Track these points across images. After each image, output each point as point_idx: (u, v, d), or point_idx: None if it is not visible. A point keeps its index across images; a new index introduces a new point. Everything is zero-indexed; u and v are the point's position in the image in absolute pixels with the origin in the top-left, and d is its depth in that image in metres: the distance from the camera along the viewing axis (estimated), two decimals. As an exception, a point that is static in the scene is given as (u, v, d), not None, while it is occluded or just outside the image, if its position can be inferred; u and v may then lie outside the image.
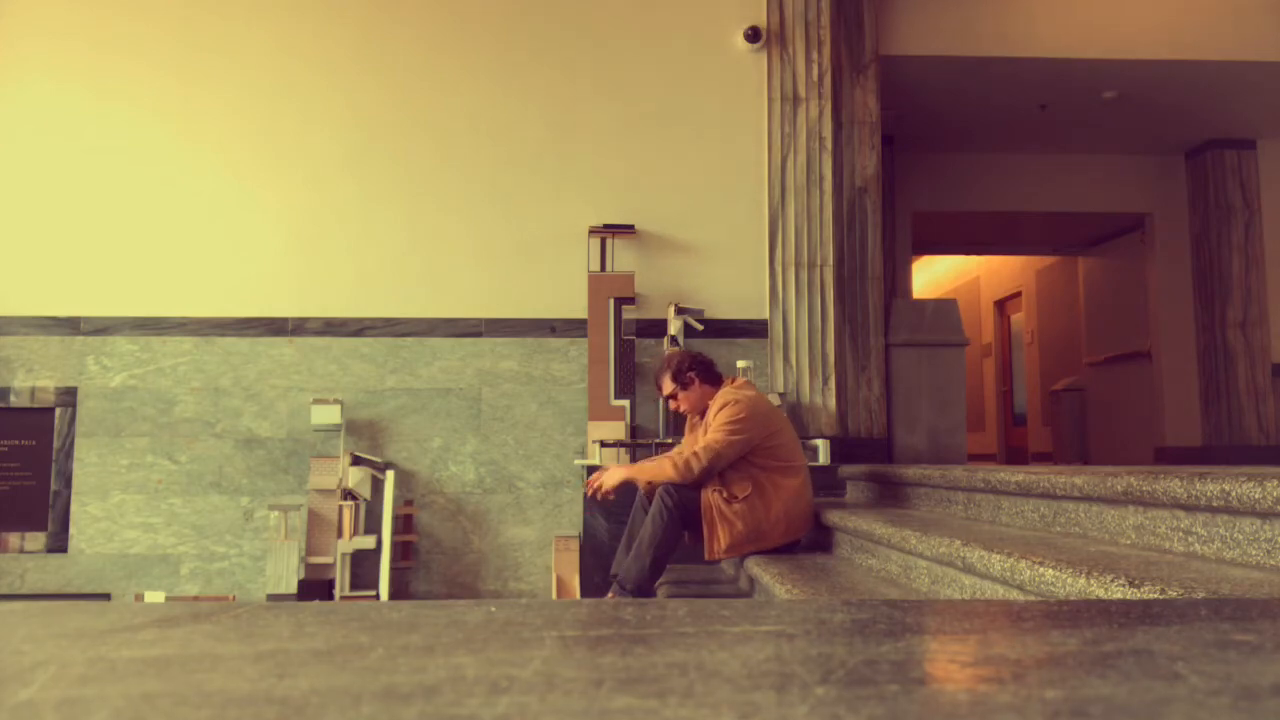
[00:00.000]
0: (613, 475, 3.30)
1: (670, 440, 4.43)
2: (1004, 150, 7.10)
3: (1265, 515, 1.55)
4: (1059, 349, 8.84)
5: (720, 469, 3.22)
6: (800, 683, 0.64)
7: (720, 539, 3.23)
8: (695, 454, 3.19)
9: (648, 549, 3.21)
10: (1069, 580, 1.55)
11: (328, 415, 4.46)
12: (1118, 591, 1.42)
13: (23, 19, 4.81)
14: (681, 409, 3.47)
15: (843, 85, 4.96)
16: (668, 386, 3.45)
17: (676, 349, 3.61)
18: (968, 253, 9.60)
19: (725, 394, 3.34)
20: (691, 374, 3.41)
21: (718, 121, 4.90)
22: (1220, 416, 6.69)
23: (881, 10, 5.21)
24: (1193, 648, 0.75)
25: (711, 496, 3.24)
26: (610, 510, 4.19)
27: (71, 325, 4.64)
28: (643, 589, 3.23)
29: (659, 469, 3.27)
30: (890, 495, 3.72)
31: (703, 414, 3.47)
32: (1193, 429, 6.89)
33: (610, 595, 3.29)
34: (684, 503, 3.24)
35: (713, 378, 3.45)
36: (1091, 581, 1.49)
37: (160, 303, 4.68)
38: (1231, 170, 6.80)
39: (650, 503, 3.30)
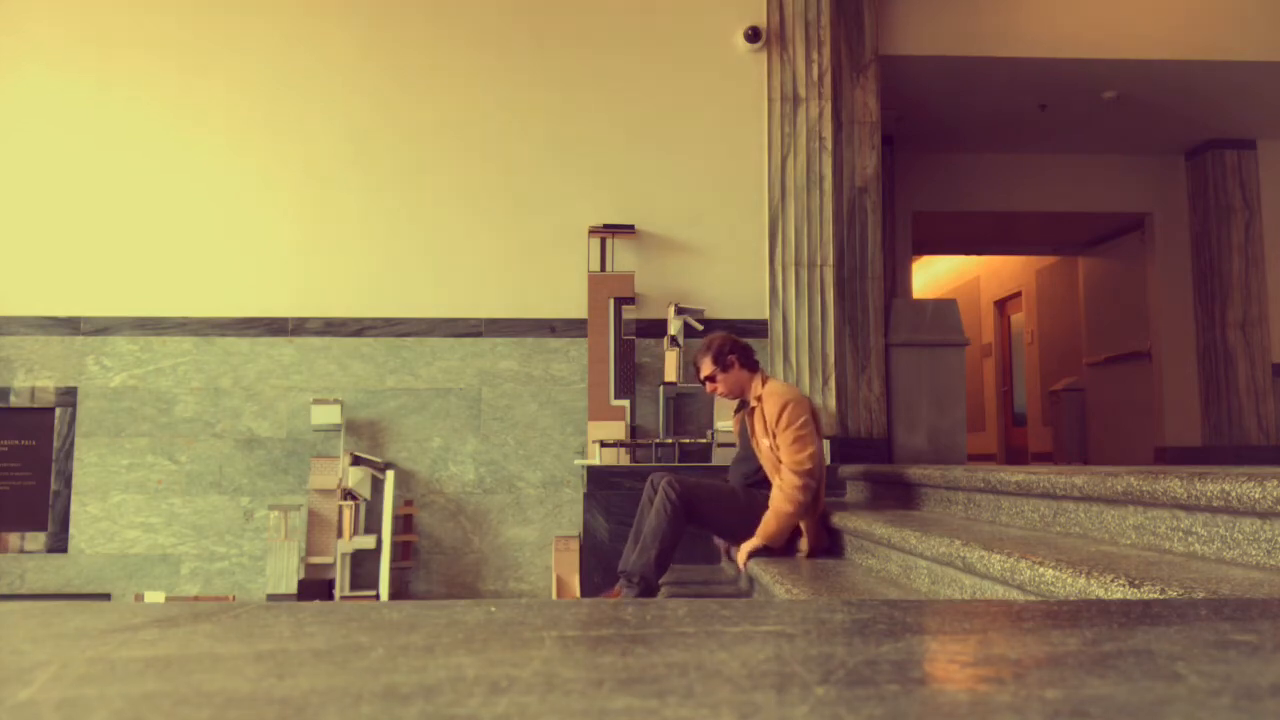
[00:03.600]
0: (746, 553, 3.22)
1: (670, 440, 4.43)
2: (1004, 150, 7.10)
3: (1265, 515, 1.55)
4: (1059, 349, 8.84)
5: (819, 476, 3.21)
6: (800, 683, 0.64)
7: (808, 538, 3.23)
8: (798, 486, 3.14)
9: (652, 542, 3.22)
10: (1069, 580, 1.55)
11: (328, 415, 4.46)
12: (1118, 591, 1.42)
13: (23, 19, 4.81)
14: (719, 391, 3.45)
15: (843, 85, 4.96)
16: (707, 368, 3.43)
17: (718, 332, 3.59)
18: (968, 253, 9.61)
19: (781, 392, 3.29)
20: (732, 357, 3.41)
21: (718, 121, 4.90)
22: (1220, 416, 6.69)
23: (881, 10, 5.21)
24: (1193, 648, 0.75)
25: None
26: (610, 510, 4.19)
27: (71, 325, 4.64)
28: (648, 581, 3.23)
29: (780, 523, 3.17)
30: (890, 495, 3.72)
31: (739, 399, 3.48)
32: (1193, 429, 6.89)
33: (618, 589, 3.28)
34: (687, 493, 3.25)
35: (751, 363, 3.45)
36: (1091, 581, 1.49)
37: (160, 303, 4.68)
38: (1231, 170, 6.80)
39: (655, 494, 3.31)
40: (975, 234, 8.23)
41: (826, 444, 4.50)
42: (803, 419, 3.22)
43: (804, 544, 3.24)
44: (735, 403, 3.73)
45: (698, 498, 3.30)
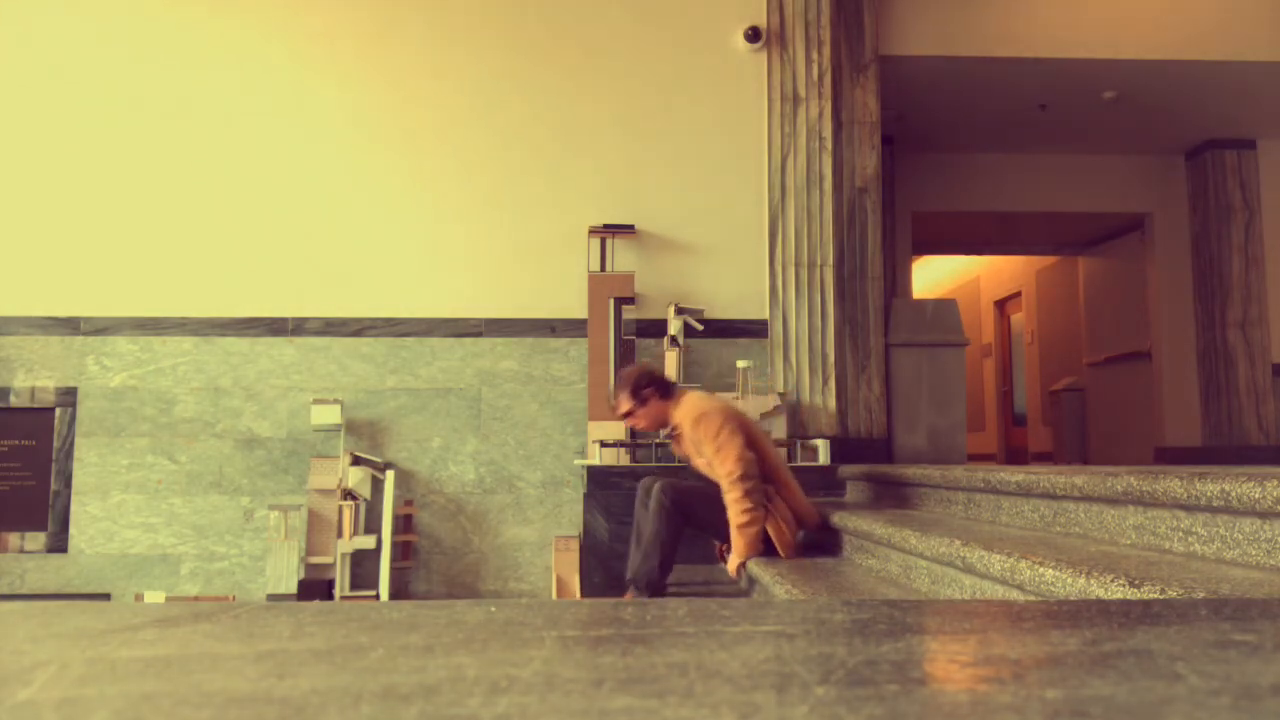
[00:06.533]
0: (733, 568, 3.24)
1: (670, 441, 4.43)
2: (1004, 150, 7.10)
3: (1265, 515, 1.55)
4: (1059, 349, 8.84)
5: (755, 472, 3.18)
6: (800, 683, 0.64)
7: (777, 540, 3.21)
8: (738, 496, 3.12)
9: (654, 549, 3.26)
10: (1069, 580, 1.55)
11: (328, 415, 4.46)
12: (1118, 591, 1.42)
13: (20, 22, 4.80)
14: (639, 426, 3.45)
15: (843, 85, 4.96)
16: (625, 404, 3.40)
17: (631, 366, 3.60)
18: (968, 253, 9.61)
19: (691, 408, 3.27)
20: (649, 390, 3.39)
21: (718, 121, 4.90)
22: (1220, 416, 6.69)
23: (881, 10, 5.20)
24: (1193, 648, 0.75)
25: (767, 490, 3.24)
26: (610, 510, 4.19)
27: (71, 325, 4.64)
28: (655, 586, 3.27)
29: (745, 536, 3.14)
30: (890, 495, 3.72)
31: (664, 428, 3.48)
32: (1193, 429, 6.89)
33: (629, 595, 3.30)
34: (680, 498, 3.27)
35: (668, 392, 3.42)
36: (1091, 581, 1.49)
37: (160, 303, 4.68)
38: (1231, 170, 6.80)
39: (650, 499, 3.33)
40: (975, 234, 8.23)
41: (826, 444, 4.50)
42: (717, 426, 3.18)
43: (778, 548, 3.19)
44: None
45: (690, 502, 3.33)
